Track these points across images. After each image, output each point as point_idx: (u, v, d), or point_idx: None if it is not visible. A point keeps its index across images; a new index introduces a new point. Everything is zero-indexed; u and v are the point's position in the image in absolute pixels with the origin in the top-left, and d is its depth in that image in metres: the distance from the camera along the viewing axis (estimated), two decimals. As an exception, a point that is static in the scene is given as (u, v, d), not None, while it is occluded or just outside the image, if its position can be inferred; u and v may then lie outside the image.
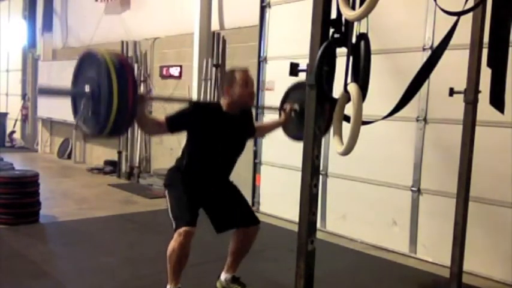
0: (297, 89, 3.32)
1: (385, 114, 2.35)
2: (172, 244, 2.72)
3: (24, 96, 11.08)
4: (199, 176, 2.89)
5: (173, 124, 2.75)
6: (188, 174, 2.88)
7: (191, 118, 2.79)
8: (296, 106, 3.22)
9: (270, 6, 5.44)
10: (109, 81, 2.14)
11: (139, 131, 7.40)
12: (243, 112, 2.94)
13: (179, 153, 3.01)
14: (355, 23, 1.97)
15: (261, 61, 5.52)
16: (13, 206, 4.53)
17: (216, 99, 6.14)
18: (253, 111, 5.71)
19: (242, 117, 2.94)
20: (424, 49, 4.00)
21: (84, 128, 2.37)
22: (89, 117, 2.30)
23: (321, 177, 3.82)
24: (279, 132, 5.32)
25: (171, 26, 7.02)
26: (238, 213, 3.01)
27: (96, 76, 2.23)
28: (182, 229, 2.69)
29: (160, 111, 7.21)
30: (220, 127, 2.84)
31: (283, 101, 3.41)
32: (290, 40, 5.10)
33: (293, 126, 3.30)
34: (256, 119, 5.42)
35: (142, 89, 7.44)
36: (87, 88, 2.28)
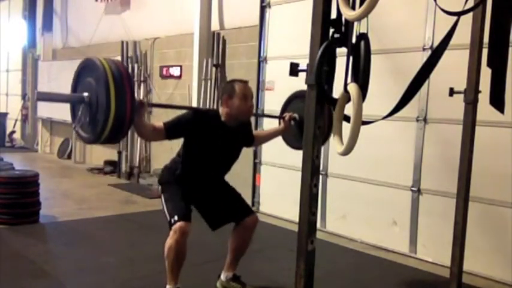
0: (297, 98, 3.33)
1: (385, 114, 2.35)
2: (169, 242, 2.74)
3: (24, 96, 11.08)
4: (193, 179, 2.93)
5: (171, 131, 2.79)
6: (182, 176, 2.92)
7: (189, 126, 2.82)
8: (296, 115, 3.22)
9: (270, 6, 5.44)
10: (107, 89, 2.17)
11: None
12: (241, 123, 2.96)
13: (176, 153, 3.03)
14: (355, 23, 1.97)
15: (261, 61, 5.51)
16: (13, 206, 4.52)
17: (215, 101, 6.14)
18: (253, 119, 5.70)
19: (240, 128, 2.97)
20: (424, 49, 4.00)
21: (81, 134, 2.39)
22: (87, 124, 2.32)
23: (321, 177, 3.83)
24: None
25: (171, 26, 7.02)
26: (231, 208, 3.02)
27: (94, 83, 2.26)
28: (177, 225, 2.71)
29: (161, 113, 7.22)
30: (218, 136, 2.87)
31: (283, 110, 3.43)
32: (290, 40, 5.10)
33: (293, 135, 3.31)
34: (256, 127, 5.42)
35: (142, 91, 7.46)
36: (85, 94, 2.30)
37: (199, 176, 2.94)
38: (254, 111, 5.65)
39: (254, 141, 3.26)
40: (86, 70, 2.36)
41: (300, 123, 3.17)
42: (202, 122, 2.83)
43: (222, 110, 2.89)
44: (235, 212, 3.01)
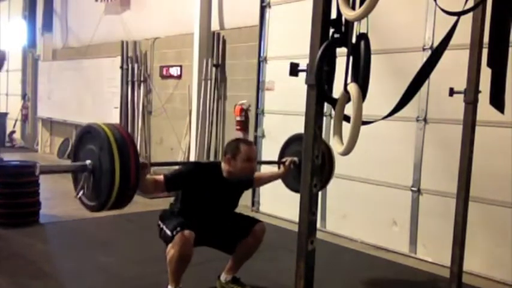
0: (294, 142, 3.35)
1: (385, 114, 2.35)
2: (171, 252, 2.70)
3: (24, 96, 11.08)
4: (193, 220, 2.87)
5: (171, 184, 2.77)
6: (182, 214, 2.89)
7: (189, 179, 2.82)
8: (296, 159, 3.24)
9: (270, 6, 5.44)
10: (111, 157, 2.06)
11: (138, 130, 7.41)
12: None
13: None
14: (355, 23, 1.97)
15: (261, 61, 5.51)
16: (13, 206, 4.53)
17: (215, 101, 6.14)
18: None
19: (241, 181, 2.98)
20: (424, 49, 4.00)
21: (85, 202, 2.28)
22: (91, 192, 2.23)
23: (321, 177, 3.82)
24: (278, 131, 5.29)
25: (171, 26, 7.02)
26: (238, 227, 3.02)
27: (97, 151, 2.16)
28: (180, 234, 2.68)
29: (160, 112, 7.22)
30: (217, 190, 2.88)
31: (282, 153, 3.44)
32: (290, 40, 5.09)
33: (293, 179, 3.32)
34: (256, 128, 5.42)
35: (142, 91, 7.46)
36: (88, 162, 2.20)
37: (198, 222, 2.87)
38: (254, 111, 5.70)
39: (254, 183, 3.29)
40: (88, 137, 2.27)
41: (300, 167, 3.18)
42: (203, 176, 2.84)
43: (224, 166, 2.89)
44: (244, 228, 3.01)
